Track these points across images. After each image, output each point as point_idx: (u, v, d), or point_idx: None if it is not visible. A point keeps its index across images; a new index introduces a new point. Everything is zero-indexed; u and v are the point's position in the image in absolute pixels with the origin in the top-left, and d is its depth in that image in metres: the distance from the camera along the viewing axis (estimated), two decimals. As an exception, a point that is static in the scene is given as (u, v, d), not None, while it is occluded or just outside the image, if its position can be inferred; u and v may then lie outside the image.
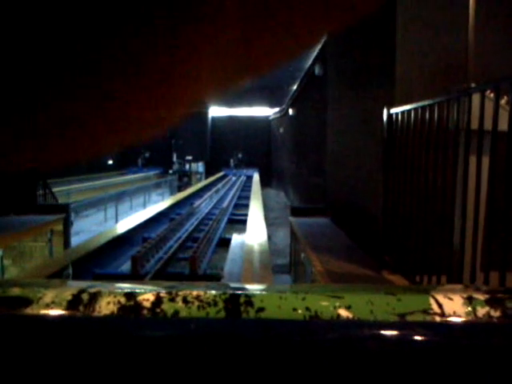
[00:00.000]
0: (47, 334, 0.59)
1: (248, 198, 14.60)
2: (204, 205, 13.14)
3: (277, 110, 25.70)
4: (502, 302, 0.61)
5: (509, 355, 0.57)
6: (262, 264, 5.42)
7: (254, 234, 7.30)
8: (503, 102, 2.26)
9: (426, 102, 2.86)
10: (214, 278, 6.11)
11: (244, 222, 9.13)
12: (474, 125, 2.38)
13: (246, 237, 7.29)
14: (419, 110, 2.96)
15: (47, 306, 0.60)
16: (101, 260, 6.59)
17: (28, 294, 0.62)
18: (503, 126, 2.12)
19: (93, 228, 12.06)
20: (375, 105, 3.93)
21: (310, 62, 11.49)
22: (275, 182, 26.12)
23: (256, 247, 6.31)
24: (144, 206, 16.27)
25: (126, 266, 7.04)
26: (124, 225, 8.54)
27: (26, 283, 0.69)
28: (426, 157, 2.85)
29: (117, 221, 12.85)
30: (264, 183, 21.94)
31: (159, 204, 12.51)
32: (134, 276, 6.09)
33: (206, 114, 31.74)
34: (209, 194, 15.94)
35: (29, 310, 0.60)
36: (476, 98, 2.38)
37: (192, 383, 0.57)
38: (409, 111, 3.14)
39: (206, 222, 10.11)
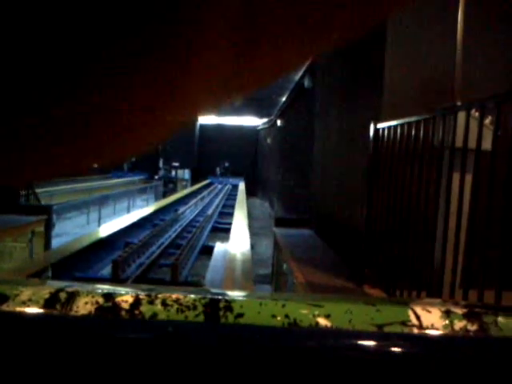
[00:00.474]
0: (23, 331, 0.58)
1: (233, 206, 14.60)
2: (188, 211, 13.10)
3: (265, 120, 25.78)
4: (479, 316, 0.61)
5: (485, 368, 0.58)
6: (243, 273, 5.41)
7: (238, 243, 7.29)
8: (487, 121, 2.30)
9: (412, 119, 2.89)
10: (195, 285, 6.08)
11: (228, 231, 9.12)
12: (459, 143, 2.41)
13: (229, 245, 7.27)
14: (405, 126, 2.99)
15: (24, 304, 0.60)
16: (81, 263, 6.52)
17: (4, 291, 0.61)
18: (487, 145, 2.15)
19: (75, 231, 11.94)
20: (362, 119, 3.97)
21: (299, 74, 11.58)
22: (260, 191, 26.14)
23: (238, 256, 6.30)
24: (128, 210, 16.16)
25: (106, 270, 6.97)
26: (106, 229, 8.47)
27: (4, 280, 0.68)
28: (411, 172, 2.88)
29: (99, 224, 12.74)
30: (249, 193, 21.96)
31: (143, 209, 12.44)
32: (115, 280, 6.03)
33: (194, 121, 31.67)
34: (194, 201, 15.89)
35: (5, 307, 0.59)
36: (461, 116, 2.42)
37: (167, 387, 0.56)
38: (395, 127, 3.17)
39: (189, 229, 10.07)
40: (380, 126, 3.47)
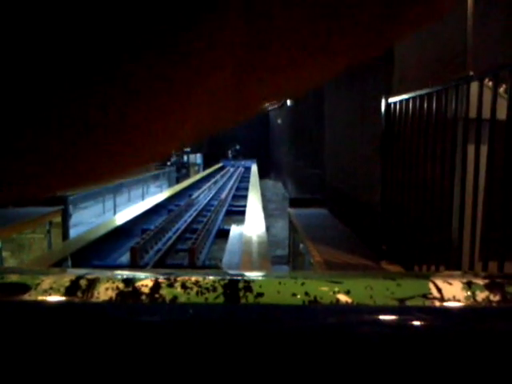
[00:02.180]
0: (45, 319, 0.59)
1: (246, 189, 14.60)
2: (202, 196, 13.14)
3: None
4: (501, 286, 0.61)
5: (509, 339, 0.57)
6: (260, 255, 5.43)
7: (253, 226, 7.31)
8: (501, 90, 2.26)
9: (424, 91, 2.85)
10: (213, 268, 6.12)
11: (242, 213, 9.13)
12: (473, 113, 2.37)
13: (245, 228, 7.29)
14: (417, 99, 2.95)
15: (45, 292, 0.60)
16: (99, 252, 6.60)
17: (26, 281, 0.62)
18: (501, 114, 2.12)
19: (91, 220, 12.06)
20: (373, 95, 3.92)
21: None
22: (273, 173, 26.10)
23: (254, 238, 6.32)
24: (142, 197, 16.27)
25: (124, 258, 7.04)
26: (122, 216, 8.54)
27: (25, 270, 0.69)
28: (425, 146, 2.84)
29: (115, 213, 12.85)
30: (262, 174, 21.94)
31: (157, 195, 12.51)
32: (133, 267, 6.10)
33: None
34: (207, 185, 15.93)
35: (27, 296, 0.60)
36: (474, 86, 2.38)
37: (191, 369, 0.57)
38: (407, 100, 3.13)
39: (204, 214, 10.11)
40: (391, 100, 3.43)
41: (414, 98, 3.01)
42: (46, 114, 0.23)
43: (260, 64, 0.24)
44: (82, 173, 0.28)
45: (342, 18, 0.23)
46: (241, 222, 8.32)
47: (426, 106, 2.82)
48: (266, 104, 0.27)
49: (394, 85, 3.49)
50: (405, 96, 3.15)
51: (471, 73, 2.48)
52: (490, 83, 2.23)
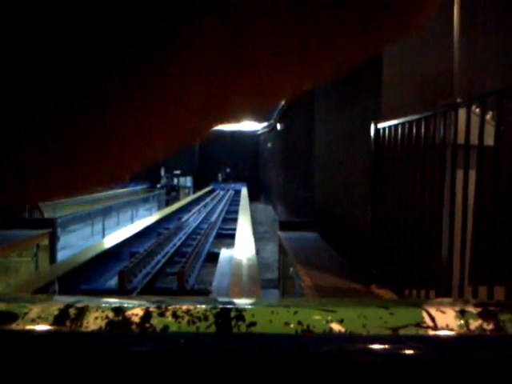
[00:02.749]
0: (33, 349, 0.58)
1: (236, 212, 14.58)
2: (192, 219, 13.09)
3: (265, 124, 25.82)
4: (494, 314, 0.60)
5: (502, 368, 0.57)
6: (250, 278, 5.39)
7: (243, 249, 7.28)
8: (488, 117, 2.29)
9: (412, 117, 2.89)
10: (202, 292, 6.06)
11: (232, 237, 9.10)
12: (461, 139, 2.41)
13: (235, 251, 7.26)
14: (406, 125, 2.98)
15: (33, 322, 0.59)
16: (87, 275, 6.52)
17: (13, 309, 0.61)
18: (489, 140, 2.15)
19: (79, 243, 11.94)
20: (362, 120, 3.96)
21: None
22: (263, 196, 26.14)
23: (244, 262, 6.29)
24: (131, 220, 16.17)
25: (113, 281, 6.96)
26: (111, 240, 8.47)
27: (12, 298, 0.67)
28: (414, 171, 2.87)
29: (104, 236, 12.74)
30: (252, 197, 21.94)
31: (147, 219, 12.43)
32: (122, 291, 6.02)
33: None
34: (197, 208, 15.89)
35: (14, 326, 0.59)
36: (462, 112, 2.41)
37: (182, 400, 0.56)
38: (396, 126, 3.17)
39: (194, 237, 10.06)
40: (380, 125, 3.47)
41: (402, 124, 3.04)
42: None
43: (240, 70, 0.24)
44: (57, 184, 0.28)
45: (326, 19, 0.23)
46: (231, 245, 8.28)
47: (414, 131, 2.86)
48: (247, 113, 0.27)
49: (382, 110, 3.53)
50: (394, 121, 3.19)
51: (459, 99, 2.52)
52: (478, 110, 2.27)
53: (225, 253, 7.76)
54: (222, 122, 0.28)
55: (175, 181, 29.72)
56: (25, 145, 0.24)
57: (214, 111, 0.27)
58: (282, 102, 16.62)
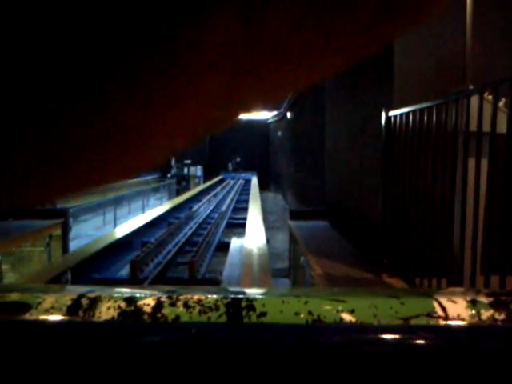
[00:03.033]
0: (47, 339, 0.59)
1: (246, 201, 14.59)
2: (202, 209, 13.13)
3: (275, 113, 25.73)
4: (506, 304, 0.60)
5: (514, 358, 0.57)
6: (261, 268, 5.41)
7: (253, 238, 7.29)
8: (501, 104, 2.27)
9: (424, 105, 2.86)
10: (213, 282, 6.10)
11: (243, 226, 9.12)
12: (473, 127, 2.38)
13: (245, 241, 7.28)
14: (417, 113, 2.95)
15: (47, 312, 0.60)
16: (100, 265, 6.58)
17: (27, 300, 0.61)
18: (502, 128, 2.12)
19: (91, 233, 12.04)
20: (373, 107, 3.93)
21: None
22: (274, 185, 26.12)
23: (255, 251, 6.30)
24: (142, 210, 16.26)
25: (124, 271, 7.02)
26: (122, 229, 8.53)
27: (25, 288, 0.68)
28: (425, 159, 2.85)
29: (115, 225, 12.84)
30: (262, 186, 21.94)
31: (157, 208, 12.50)
32: (133, 281, 6.07)
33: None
34: (207, 197, 15.93)
35: (28, 316, 0.59)
36: (474, 100, 2.38)
37: (194, 389, 0.56)
38: (407, 114, 3.14)
39: (204, 226, 10.10)
40: (392, 113, 3.44)
41: (414, 112, 3.02)
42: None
43: (256, 62, 0.24)
44: (74, 181, 0.28)
45: (338, 12, 0.23)
46: (241, 234, 8.31)
47: (426, 119, 2.83)
48: (261, 105, 0.27)
49: (394, 98, 3.51)
50: (405, 109, 3.16)
51: (471, 86, 2.49)
52: (490, 97, 2.24)
53: (235, 242, 7.78)
54: (242, 111, 0.28)
55: (185, 170, 29.78)
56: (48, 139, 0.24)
57: (235, 100, 0.27)
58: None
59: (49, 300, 0.61)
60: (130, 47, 0.21)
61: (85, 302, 0.61)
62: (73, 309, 0.60)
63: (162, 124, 0.26)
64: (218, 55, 0.22)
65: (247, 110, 0.28)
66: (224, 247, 8.10)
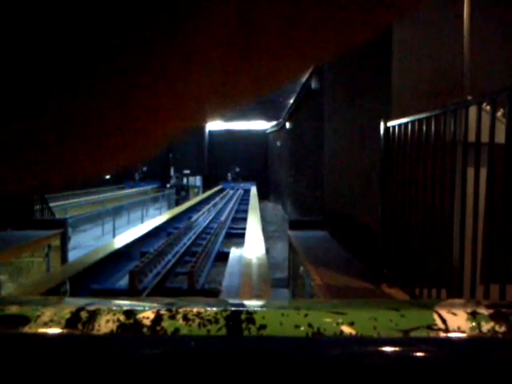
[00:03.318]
0: (46, 352, 0.58)
1: (246, 211, 14.58)
2: (202, 219, 13.12)
3: (274, 123, 25.80)
4: (506, 316, 0.60)
5: (515, 371, 0.56)
6: (260, 278, 5.40)
7: (252, 248, 7.28)
8: (499, 114, 2.27)
9: (422, 115, 2.87)
10: (212, 292, 6.07)
11: (242, 236, 9.11)
12: (472, 137, 2.39)
13: (245, 251, 7.26)
14: (416, 123, 2.97)
15: (45, 325, 0.60)
16: (98, 275, 6.56)
17: (26, 313, 0.61)
18: (500, 138, 2.13)
19: (90, 243, 12.01)
20: (372, 118, 3.95)
21: (306, 75, 11.56)
22: (273, 195, 26.13)
23: (254, 261, 6.29)
24: (141, 220, 16.24)
25: (123, 281, 6.99)
26: (121, 239, 8.51)
27: (24, 301, 0.68)
28: (424, 170, 2.85)
29: (114, 235, 12.81)
30: (262, 196, 21.95)
31: (157, 218, 12.48)
32: (132, 291, 6.05)
33: (203, 128, 31.88)
34: (207, 207, 15.92)
35: (27, 329, 0.59)
36: (473, 110, 2.40)
37: (193, 402, 0.56)
38: (406, 124, 3.15)
39: (203, 236, 10.08)
40: (390, 124, 3.45)
41: (412, 122, 3.03)
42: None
43: (252, 48, 0.24)
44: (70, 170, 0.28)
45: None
46: (240, 244, 8.29)
47: (424, 129, 2.84)
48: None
49: (393, 108, 3.52)
50: (404, 120, 3.18)
51: (469, 97, 2.50)
52: (488, 107, 2.25)
53: (235, 252, 7.76)
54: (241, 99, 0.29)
55: (185, 180, 29.80)
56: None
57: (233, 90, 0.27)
58: (291, 101, 16.58)
59: (47, 313, 0.61)
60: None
61: (84, 315, 0.61)
62: (72, 322, 0.60)
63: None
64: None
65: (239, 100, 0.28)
66: (223, 257, 8.08)
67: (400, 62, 3.51)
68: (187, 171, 29.97)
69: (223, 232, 11.06)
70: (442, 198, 2.64)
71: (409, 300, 2.83)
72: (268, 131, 30.12)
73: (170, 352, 0.58)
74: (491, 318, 0.60)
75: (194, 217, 13.02)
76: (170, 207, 21.28)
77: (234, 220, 13.82)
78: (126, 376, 0.57)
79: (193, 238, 9.80)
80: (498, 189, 2.12)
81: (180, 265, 7.75)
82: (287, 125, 18.82)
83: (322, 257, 4.78)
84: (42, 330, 0.59)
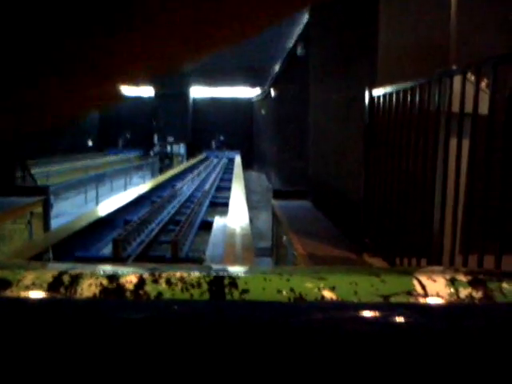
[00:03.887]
0: (27, 316, 0.58)
1: (230, 180, 14.58)
2: (186, 187, 13.09)
3: (259, 91, 25.56)
4: (483, 283, 0.61)
5: (490, 335, 0.58)
6: (243, 247, 5.44)
7: (236, 217, 7.31)
8: (483, 84, 2.27)
9: (407, 85, 2.86)
10: (195, 261, 6.11)
11: (226, 205, 9.13)
12: (455, 107, 2.39)
13: (228, 220, 7.29)
14: (401, 93, 2.96)
15: (27, 288, 0.59)
16: (82, 243, 6.54)
17: (8, 276, 0.61)
18: (484, 109, 2.14)
19: (73, 210, 11.94)
20: (357, 87, 3.93)
21: (292, 42, 11.39)
22: (257, 164, 26.10)
23: (238, 230, 6.32)
24: (125, 188, 16.14)
25: (107, 249, 6.99)
26: (105, 207, 8.47)
27: (6, 265, 0.67)
28: (408, 139, 2.86)
29: (97, 203, 12.74)
30: (246, 166, 21.91)
31: (140, 186, 12.42)
32: (116, 259, 6.06)
33: (186, 94, 31.45)
34: (190, 176, 15.87)
35: (8, 292, 0.59)
36: (457, 80, 2.39)
37: (176, 365, 0.57)
38: (390, 94, 3.14)
39: (187, 205, 10.08)
40: (375, 93, 3.44)
41: (397, 91, 3.02)
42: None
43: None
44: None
45: None
46: (224, 213, 8.31)
47: (409, 99, 2.84)
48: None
49: (378, 77, 3.50)
50: (388, 89, 3.17)
51: (454, 67, 2.50)
52: (473, 77, 2.25)
53: (218, 221, 7.79)
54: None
55: (168, 148, 29.56)
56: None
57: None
58: (276, 67, 16.39)
59: (29, 277, 0.61)
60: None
61: (66, 278, 0.61)
62: (54, 286, 0.60)
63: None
64: None
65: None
66: (207, 226, 8.10)
67: (387, 29, 3.48)
68: (171, 139, 29.69)
69: (207, 201, 11.07)
70: (424, 168, 2.66)
71: (390, 267, 2.88)
72: (253, 99, 29.87)
73: (153, 316, 0.58)
74: (469, 284, 0.61)
75: (178, 185, 12.98)
76: (153, 175, 21.16)
77: (218, 189, 13.82)
78: (108, 340, 0.57)
79: (177, 206, 9.80)
80: (480, 160, 2.14)
81: (164, 233, 7.76)
82: (272, 93, 18.67)
83: (304, 226, 4.81)
84: (23, 294, 0.59)
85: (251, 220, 7.62)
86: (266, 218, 9.43)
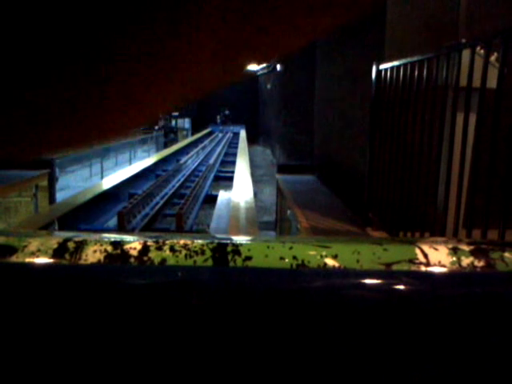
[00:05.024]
0: (33, 282, 0.59)
1: (235, 154, 14.55)
2: (190, 161, 13.08)
3: (264, 65, 25.30)
4: (485, 252, 0.62)
5: (491, 303, 0.58)
6: (248, 221, 5.46)
7: (241, 191, 7.31)
8: (493, 58, 2.24)
9: (415, 58, 2.82)
10: (200, 233, 6.14)
11: (231, 179, 9.13)
12: (463, 82, 2.36)
13: (233, 194, 7.30)
14: (408, 66, 2.92)
15: (32, 254, 0.60)
16: (87, 216, 6.58)
17: (13, 243, 0.61)
18: (492, 83, 2.11)
19: (78, 184, 11.98)
20: (364, 60, 3.88)
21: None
22: (262, 139, 26.00)
23: (242, 204, 6.34)
24: (130, 162, 16.16)
25: (112, 222, 7.04)
26: (110, 181, 8.49)
27: (12, 232, 0.68)
28: (414, 114, 2.84)
29: (102, 177, 12.77)
30: (251, 140, 21.84)
31: (145, 160, 12.42)
32: (121, 232, 6.10)
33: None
34: (195, 150, 15.84)
35: (14, 258, 0.60)
36: (466, 54, 2.36)
37: (179, 331, 0.57)
38: (398, 67, 3.10)
39: (192, 179, 10.09)
40: (382, 66, 3.40)
41: (404, 65, 2.98)
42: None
43: (247, 24, 0.24)
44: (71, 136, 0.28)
45: None
46: (229, 187, 8.32)
47: (416, 73, 2.80)
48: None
49: (385, 50, 3.45)
50: (396, 63, 3.13)
51: (463, 40, 2.46)
52: (482, 51, 2.22)
53: (223, 195, 7.80)
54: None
55: (173, 123, 29.44)
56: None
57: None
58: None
59: (34, 243, 0.61)
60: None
61: (71, 245, 0.61)
62: (59, 252, 0.60)
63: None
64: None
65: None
66: (211, 200, 8.12)
67: (395, 2, 3.41)
68: (176, 113, 29.54)
69: (212, 175, 11.07)
70: (430, 143, 2.64)
71: (392, 237, 2.89)
72: (259, 73, 29.59)
73: (156, 282, 0.59)
74: (471, 253, 0.61)
75: (183, 159, 12.97)
76: (158, 150, 21.14)
77: (223, 163, 13.80)
78: (112, 305, 0.58)
79: (181, 180, 9.81)
80: (487, 135, 2.12)
81: (168, 207, 7.79)
82: (278, 67, 18.47)
83: (309, 201, 4.82)
84: (28, 260, 0.60)
85: (255, 194, 7.63)
86: (271, 192, 9.44)
